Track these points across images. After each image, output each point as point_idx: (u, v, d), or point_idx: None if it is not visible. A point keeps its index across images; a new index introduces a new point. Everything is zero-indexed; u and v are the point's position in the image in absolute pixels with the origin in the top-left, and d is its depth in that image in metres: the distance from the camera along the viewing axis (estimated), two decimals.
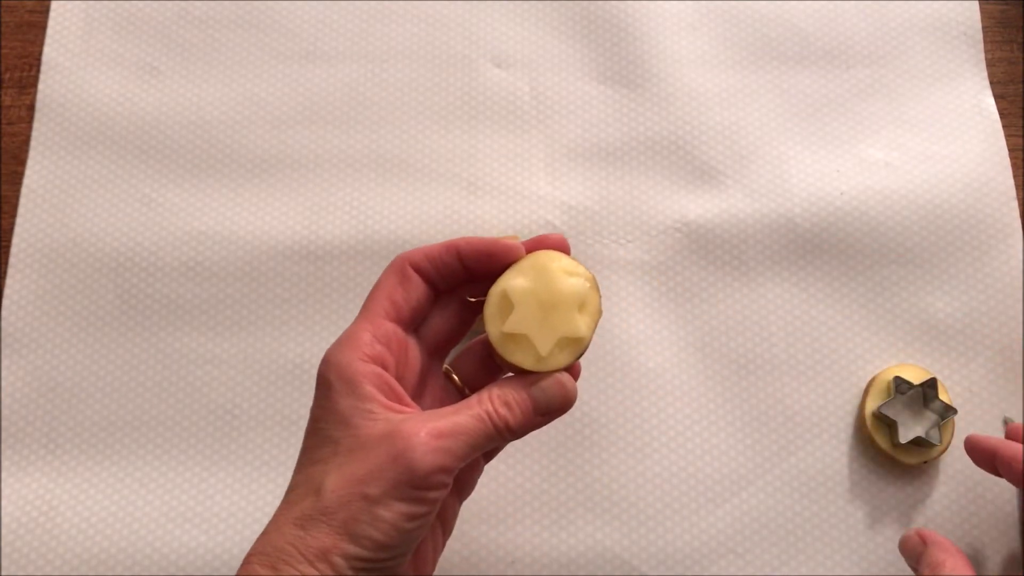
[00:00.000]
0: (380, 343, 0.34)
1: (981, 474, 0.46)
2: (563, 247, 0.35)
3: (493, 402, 0.33)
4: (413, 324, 0.36)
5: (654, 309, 0.50)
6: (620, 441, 0.48)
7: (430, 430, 0.31)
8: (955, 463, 0.47)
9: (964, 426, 0.48)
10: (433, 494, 0.31)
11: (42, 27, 0.56)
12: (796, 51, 0.56)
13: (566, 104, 0.55)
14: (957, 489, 0.47)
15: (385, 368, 0.34)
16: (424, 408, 0.35)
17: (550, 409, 0.34)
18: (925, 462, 0.46)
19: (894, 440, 0.46)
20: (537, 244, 0.35)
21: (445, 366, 0.38)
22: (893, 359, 0.49)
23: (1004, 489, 0.47)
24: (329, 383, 0.33)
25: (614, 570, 0.46)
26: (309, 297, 0.50)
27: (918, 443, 0.46)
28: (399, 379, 0.34)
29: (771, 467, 0.47)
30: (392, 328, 0.35)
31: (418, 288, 0.35)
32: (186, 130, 0.54)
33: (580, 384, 0.47)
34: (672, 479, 0.47)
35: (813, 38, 0.56)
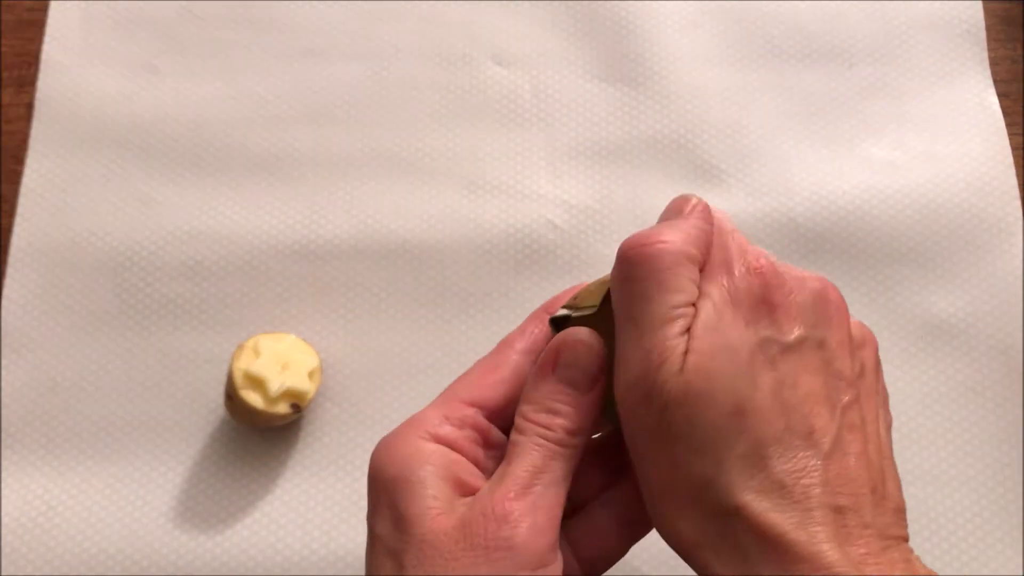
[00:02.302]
0: (452, 424, 0.28)
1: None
2: None
3: (529, 417, 0.28)
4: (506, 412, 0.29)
5: None
6: None
7: (509, 490, 0.25)
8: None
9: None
10: (549, 571, 0.25)
11: (41, 25, 0.56)
12: (798, 49, 0.55)
13: (567, 102, 0.55)
14: None
15: (458, 452, 0.27)
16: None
17: (569, 364, 0.28)
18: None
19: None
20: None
21: None
22: (894, 358, 0.49)
23: None
24: (375, 478, 0.27)
25: (614, 570, 0.46)
26: (309, 296, 0.50)
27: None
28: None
29: None
30: (473, 414, 0.28)
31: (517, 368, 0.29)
32: (186, 129, 0.54)
33: None
34: None
35: (815, 36, 0.56)
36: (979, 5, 0.56)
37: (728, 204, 0.52)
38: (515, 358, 0.29)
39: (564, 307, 0.30)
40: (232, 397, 0.45)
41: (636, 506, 0.29)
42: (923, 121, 0.54)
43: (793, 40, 0.56)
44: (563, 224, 0.52)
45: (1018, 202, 0.51)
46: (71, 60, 0.55)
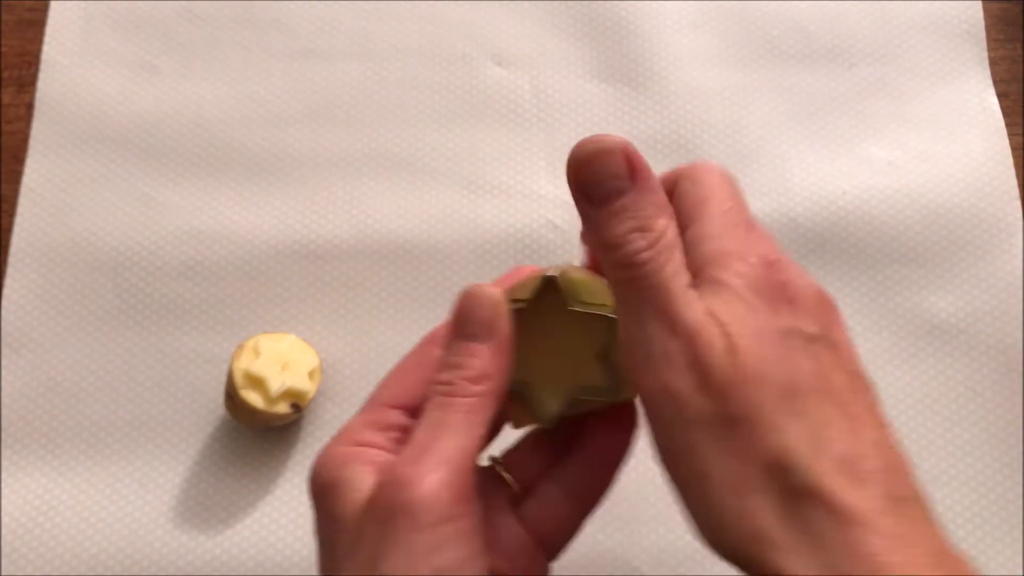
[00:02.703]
0: (376, 428, 0.28)
1: None
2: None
3: (432, 381, 0.27)
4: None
5: None
6: None
7: (408, 455, 0.26)
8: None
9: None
10: (459, 524, 0.25)
11: (41, 25, 0.56)
12: (798, 49, 0.55)
13: (567, 102, 0.55)
14: None
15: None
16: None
17: (463, 318, 0.28)
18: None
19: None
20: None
21: (489, 456, 0.31)
22: (894, 358, 0.49)
23: None
24: (312, 492, 0.27)
25: (614, 570, 0.46)
26: (309, 296, 0.50)
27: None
28: None
29: None
30: (396, 416, 0.28)
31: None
32: (186, 128, 0.54)
33: None
34: None
35: (815, 36, 0.56)
36: (979, 5, 0.56)
37: None
38: (437, 353, 0.29)
39: None
40: (232, 397, 0.45)
41: (585, 479, 0.30)
42: (923, 121, 0.54)
43: (793, 40, 0.56)
44: (563, 224, 0.52)
45: (1018, 202, 0.51)
46: (71, 60, 0.55)
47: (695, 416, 0.24)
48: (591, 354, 0.29)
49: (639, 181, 0.27)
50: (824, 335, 0.26)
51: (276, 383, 0.45)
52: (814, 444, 0.23)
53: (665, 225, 0.26)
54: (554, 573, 0.46)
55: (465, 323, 0.28)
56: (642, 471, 0.47)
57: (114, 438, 0.48)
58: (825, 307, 0.27)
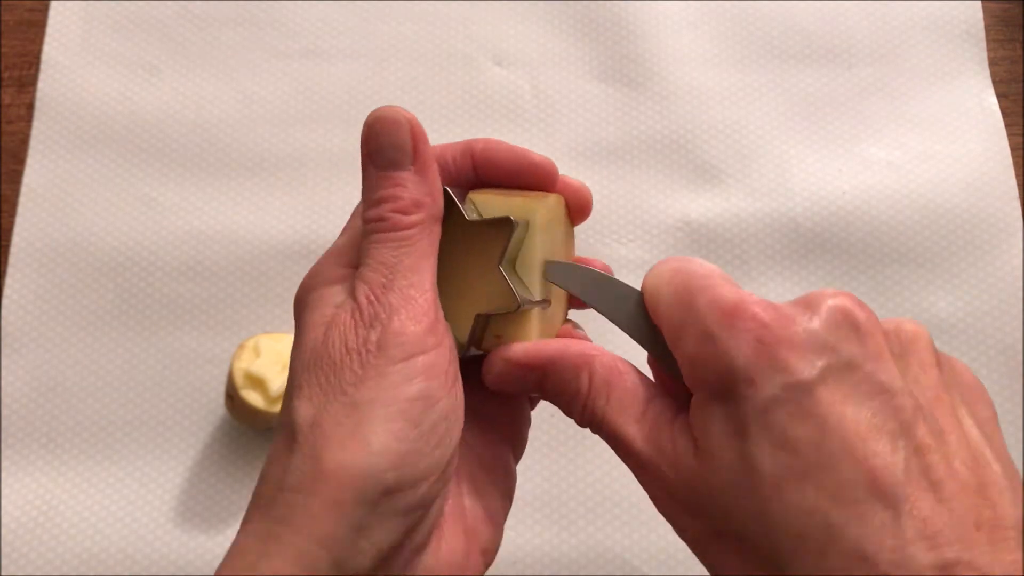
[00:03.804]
0: (351, 266, 0.27)
1: None
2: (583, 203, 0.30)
3: (363, 217, 0.26)
4: None
5: None
6: None
7: (366, 295, 0.25)
8: None
9: None
10: (431, 356, 0.24)
11: (42, 25, 0.56)
12: (798, 50, 0.56)
13: (567, 103, 0.55)
14: None
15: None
16: None
17: (377, 148, 0.26)
18: None
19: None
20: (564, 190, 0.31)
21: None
22: None
23: None
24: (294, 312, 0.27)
25: (614, 570, 0.46)
26: None
27: None
28: None
29: None
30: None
31: None
32: (186, 129, 0.54)
33: None
34: None
35: (815, 37, 0.56)
36: (978, 5, 0.56)
37: (728, 204, 0.52)
38: None
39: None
40: (232, 397, 0.45)
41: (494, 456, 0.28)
42: (922, 121, 0.54)
43: (793, 40, 0.56)
44: None
45: (1018, 202, 0.51)
46: (71, 60, 0.55)
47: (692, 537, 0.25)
48: (493, 266, 0.27)
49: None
50: (832, 363, 0.23)
51: (276, 383, 0.45)
52: (816, 548, 0.22)
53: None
54: (556, 573, 0.46)
55: (380, 151, 0.26)
56: None
57: (114, 438, 0.48)
58: (839, 321, 0.24)
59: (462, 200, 0.28)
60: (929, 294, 0.50)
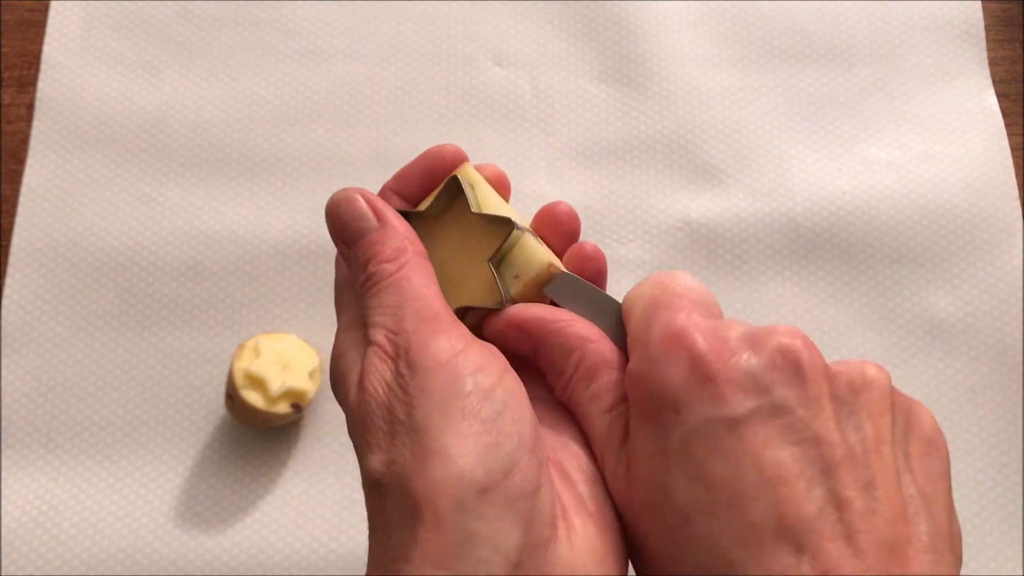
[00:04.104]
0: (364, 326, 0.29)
1: None
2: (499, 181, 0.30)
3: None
4: None
5: None
6: None
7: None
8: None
9: None
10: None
11: (42, 25, 0.56)
12: (798, 50, 0.56)
13: (567, 103, 0.55)
14: None
15: None
16: None
17: (340, 228, 0.28)
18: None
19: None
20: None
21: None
22: (894, 358, 0.49)
23: None
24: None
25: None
26: (309, 296, 0.50)
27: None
28: None
29: None
30: None
31: None
32: (186, 129, 0.54)
33: None
34: None
35: (815, 37, 0.56)
36: (978, 5, 0.56)
37: (728, 204, 0.52)
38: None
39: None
40: (232, 397, 0.45)
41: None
42: (922, 121, 0.54)
43: (793, 40, 0.56)
44: None
45: (1018, 202, 0.51)
46: (71, 60, 0.55)
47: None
48: (483, 261, 0.28)
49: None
50: (761, 404, 0.22)
51: (276, 383, 0.45)
52: None
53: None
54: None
55: (346, 227, 0.28)
56: None
57: (114, 438, 0.48)
58: (779, 361, 0.23)
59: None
60: (929, 294, 0.50)
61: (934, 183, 0.52)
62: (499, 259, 0.28)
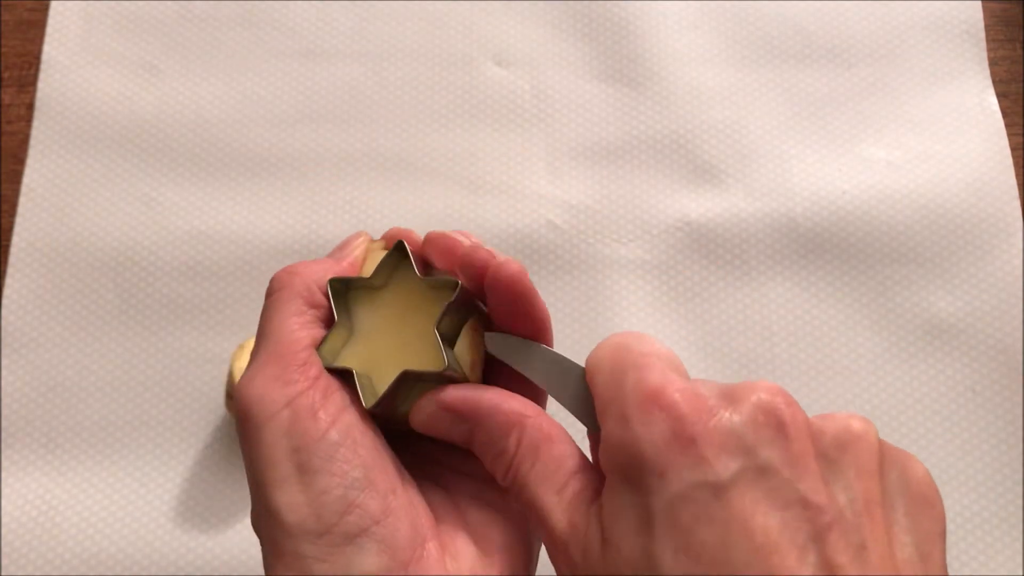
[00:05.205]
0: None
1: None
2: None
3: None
4: None
5: (655, 308, 0.50)
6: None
7: None
8: None
9: None
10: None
11: (41, 25, 0.56)
12: (798, 49, 0.56)
13: (567, 103, 0.55)
14: None
15: None
16: None
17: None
18: None
19: None
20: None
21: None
22: (894, 358, 0.49)
23: None
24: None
25: None
26: None
27: None
28: None
29: None
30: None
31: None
32: (186, 129, 0.54)
33: None
34: None
35: (815, 36, 0.56)
36: (978, 5, 0.56)
37: (728, 204, 0.52)
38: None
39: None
40: (232, 397, 0.45)
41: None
42: (922, 121, 0.54)
43: (793, 40, 0.56)
44: (563, 224, 0.52)
45: (1018, 202, 0.51)
46: (71, 60, 0.55)
47: None
48: (429, 326, 0.27)
49: (474, 418, 0.26)
50: (747, 466, 0.22)
51: None
52: None
53: (516, 440, 0.25)
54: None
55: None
56: None
57: (114, 438, 0.48)
58: (762, 420, 0.22)
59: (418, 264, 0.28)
60: (929, 294, 0.50)
61: (934, 183, 0.52)
62: (447, 323, 0.27)
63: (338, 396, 0.26)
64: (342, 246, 0.30)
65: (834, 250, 0.51)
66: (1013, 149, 0.53)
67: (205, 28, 0.56)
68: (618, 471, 0.22)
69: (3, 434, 0.48)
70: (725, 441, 0.21)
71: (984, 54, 0.55)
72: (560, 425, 0.25)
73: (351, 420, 0.25)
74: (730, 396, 0.22)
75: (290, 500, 0.24)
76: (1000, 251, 0.50)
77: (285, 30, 0.56)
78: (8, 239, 0.51)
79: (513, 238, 0.51)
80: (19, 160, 0.53)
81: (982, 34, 0.55)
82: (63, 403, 0.48)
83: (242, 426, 0.25)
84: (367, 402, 0.26)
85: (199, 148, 0.53)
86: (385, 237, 0.31)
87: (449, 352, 0.27)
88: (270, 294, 0.28)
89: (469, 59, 0.55)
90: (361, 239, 0.30)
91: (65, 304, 0.50)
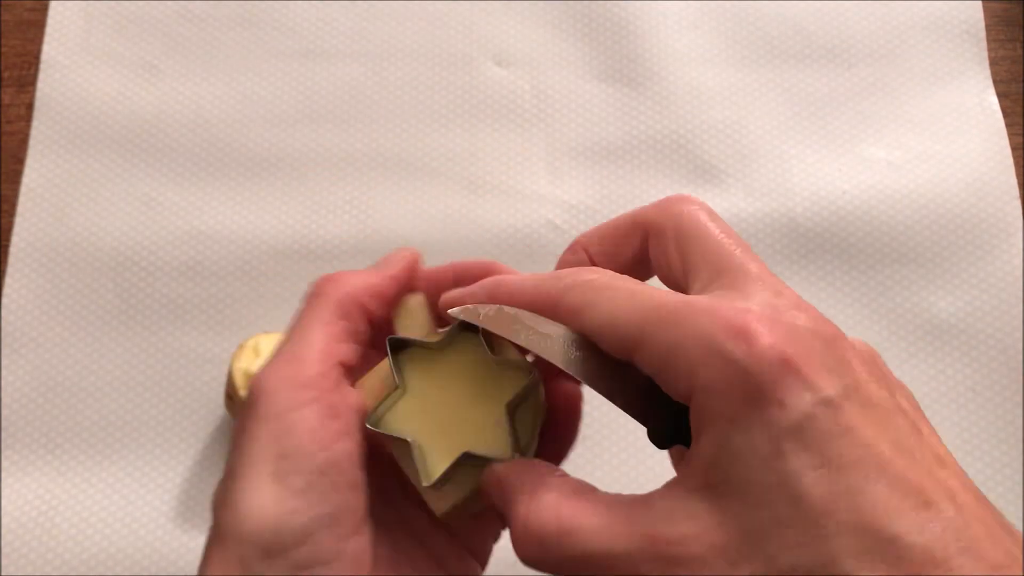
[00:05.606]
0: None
1: None
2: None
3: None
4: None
5: None
6: (621, 441, 0.48)
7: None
8: None
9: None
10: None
11: (41, 25, 0.56)
12: (798, 49, 0.56)
13: (567, 103, 0.55)
14: None
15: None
16: None
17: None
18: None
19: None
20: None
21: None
22: (894, 358, 0.49)
23: None
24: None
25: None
26: None
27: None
28: None
29: None
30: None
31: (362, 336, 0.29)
32: (186, 129, 0.54)
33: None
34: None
35: (815, 36, 0.56)
36: (979, 5, 0.56)
37: (728, 204, 0.52)
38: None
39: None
40: (232, 397, 0.45)
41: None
42: (923, 121, 0.54)
43: (793, 40, 0.56)
44: (563, 224, 0.52)
45: (1018, 202, 0.51)
46: (71, 60, 0.55)
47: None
48: (499, 409, 0.26)
49: (514, 496, 0.24)
50: (845, 386, 0.23)
51: None
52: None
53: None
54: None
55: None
56: (643, 471, 0.47)
57: (114, 438, 0.48)
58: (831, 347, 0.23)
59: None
60: (929, 294, 0.50)
61: (934, 183, 0.52)
62: (513, 409, 0.26)
63: (341, 421, 0.25)
64: (387, 258, 0.30)
65: (834, 250, 0.51)
66: (1013, 149, 0.53)
67: (205, 28, 0.56)
68: (723, 417, 0.21)
69: (3, 434, 0.48)
70: (823, 362, 0.22)
71: (984, 54, 0.55)
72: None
73: (343, 450, 0.25)
74: (787, 316, 0.23)
75: (259, 503, 0.24)
76: (1000, 251, 0.50)
77: (285, 30, 0.56)
78: (8, 239, 0.51)
79: (513, 238, 0.51)
80: (19, 160, 0.53)
81: (982, 34, 0.55)
82: (63, 403, 0.48)
83: (245, 411, 0.25)
84: (422, 479, 0.25)
85: (199, 148, 0.53)
86: (404, 270, 0.30)
87: (515, 438, 0.26)
88: (306, 298, 0.28)
89: (469, 59, 0.55)
90: (407, 253, 0.30)
91: (65, 304, 0.50)
